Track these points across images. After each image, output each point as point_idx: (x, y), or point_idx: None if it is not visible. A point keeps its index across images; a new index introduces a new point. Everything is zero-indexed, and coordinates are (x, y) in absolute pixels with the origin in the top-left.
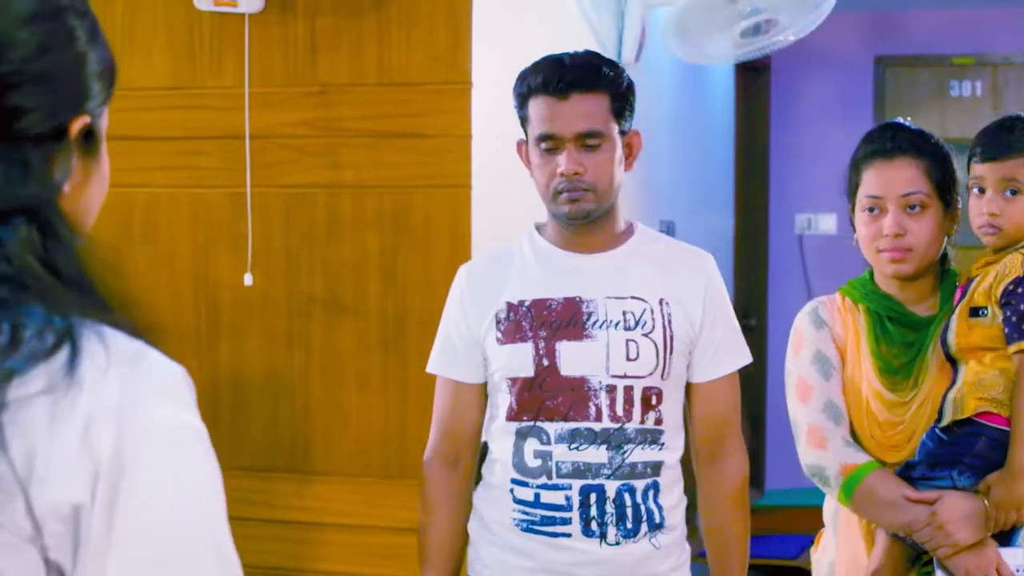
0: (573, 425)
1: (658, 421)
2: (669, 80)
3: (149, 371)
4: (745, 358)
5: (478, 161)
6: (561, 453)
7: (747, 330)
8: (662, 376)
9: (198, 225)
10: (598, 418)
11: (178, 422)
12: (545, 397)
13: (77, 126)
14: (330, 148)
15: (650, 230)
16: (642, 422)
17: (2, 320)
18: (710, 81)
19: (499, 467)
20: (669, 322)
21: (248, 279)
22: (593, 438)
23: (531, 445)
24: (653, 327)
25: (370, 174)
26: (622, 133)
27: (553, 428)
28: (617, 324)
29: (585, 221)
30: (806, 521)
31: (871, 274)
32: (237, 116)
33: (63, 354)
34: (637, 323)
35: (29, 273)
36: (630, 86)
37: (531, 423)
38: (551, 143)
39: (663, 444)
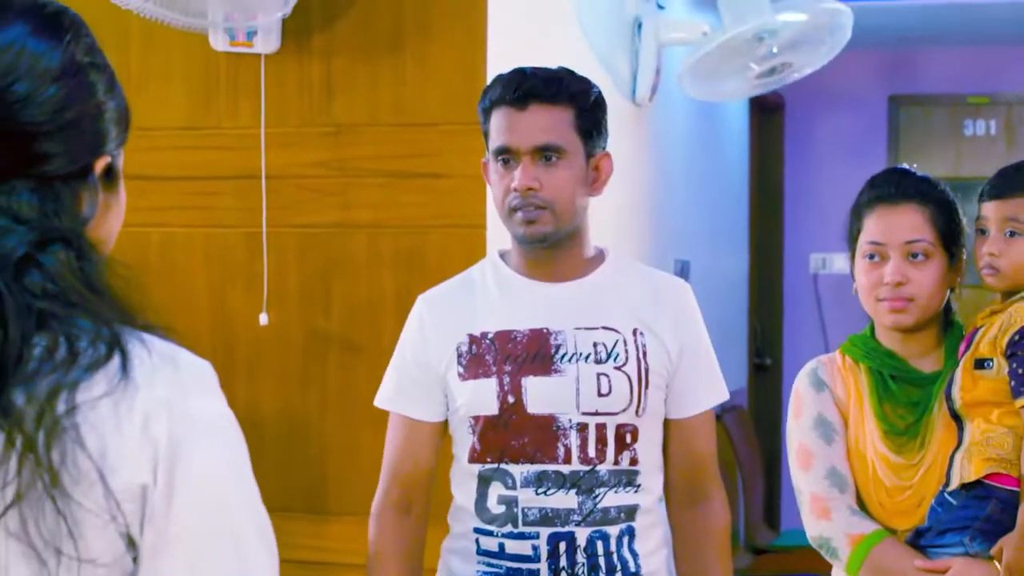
0: (540, 467)
1: (633, 461)
2: (683, 119)
3: (186, 368)
4: (723, 394)
5: (492, 201)
6: (527, 498)
7: (762, 369)
8: (637, 412)
9: (213, 265)
10: (567, 459)
11: (216, 411)
12: (510, 437)
13: (100, 165)
14: (345, 188)
15: (623, 257)
16: (616, 463)
17: (58, 333)
18: (724, 120)
19: (463, 514)
20: (644, 354)
21: (263, 319)
22: (562, 482)
23: (495, 490)
24: (626, 359)
25: (385, 214)
26: (589, 155)
27: (519, 471)
28: (587, 357)
29: (544, 245)
30: (823, 561)
31: (872, 330)
32: (253, 156)
33: (116, 360)
34: (609, 355)
35: (73, 290)
36: (599, 103)
37: (495, 465)
38: (508, 156)
39: (639, 486)
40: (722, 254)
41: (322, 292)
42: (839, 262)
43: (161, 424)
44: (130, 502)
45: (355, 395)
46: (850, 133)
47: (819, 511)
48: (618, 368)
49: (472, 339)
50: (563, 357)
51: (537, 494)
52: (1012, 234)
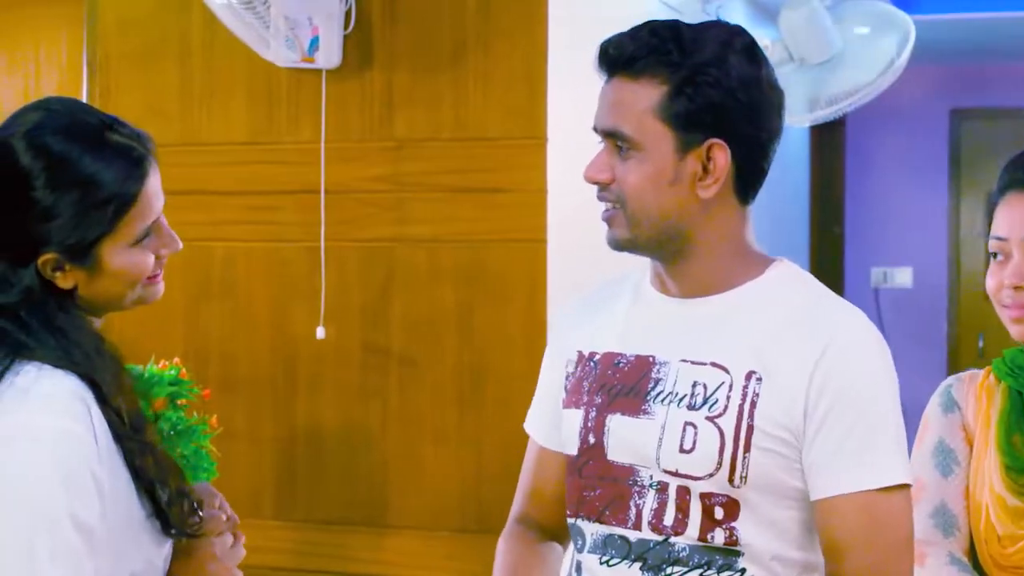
0: (607, 530)
1: (731, 542)
2: None
3: (34, 393)
4: (887, 476)
5: (554, 216)
6: (590, 567)
7: None
8: (731, 480)
9: (274, 279)
10: (636, 525)
11: (34, 424)
12: (584, 486)
13: (42, 262)
14: (406, 203)
15: (793, 274)
16: (703, 539)
17: None
18: (784, 135)
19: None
20: (752, 405)
21: (320, 332)
22: (626, 551)
23: (571, 551)
24: (725, 409)
25: (446, 228)
26: (686, 146)
27: (589, 531)
28: (681, 399)
29: (634, 252)
30: None
31: None
32: (313, 171)
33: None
34: (705, 401)
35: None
36: (718, 80)
37: (573, 519)
38: (598, 137)
39: (742, 572)
40: None
41: (382, 306)
42: (901, 276)
43: None
44: None
45: (416, 409)
46: (911, 147)
47: (917, 556)
48: (710, 419)
49: (580, 358)
50: (658, 396)
51: (600, 563)
52: None
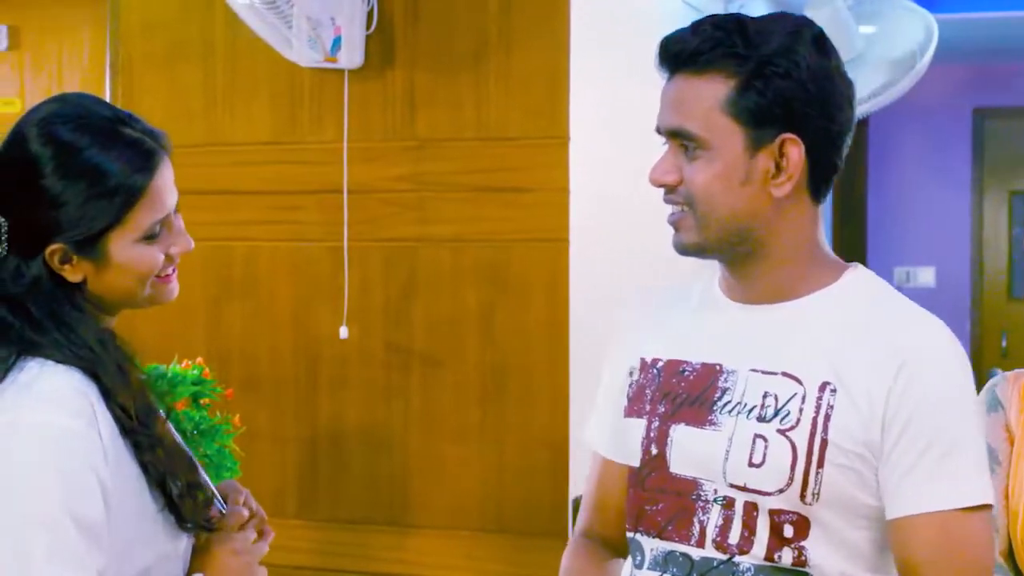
0: (668, 546)
1: (800, 562)
2: None
3: (33, 390)
4: (967, 495)
5: (576, 215)
6: None
7: None
8: (803, 497)
9: (297, 278)
10: (700, 542)
11: (34, 421)
12: (645, 500)
13: (49, 252)
14: (428, 202)
15: (874, 281)
16: (770, 559)
17: None
18: None
19: None
20: (826, 418)
21: (343, 332)
22: (688, 569)
23: (627, 567)
24: (798, 422)
25: (468, 228)
26: (757, 143)
27: (649, 546)
28: (751, 410)
29: (703, 258)
30: None
31: None
32: (336, 171)
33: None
34: (776, 413)
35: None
36: (787, 72)
37: (632, 533)
38: (663, 138)
39: None
40: None
41: (405, 306)
42: (924, 276)
43: None
44: None
45: (438, 409)
46: (934, 146)
47: None
48: (782, 432)
49: (643, 365)
50: (725, 406)
51: None
52: None
